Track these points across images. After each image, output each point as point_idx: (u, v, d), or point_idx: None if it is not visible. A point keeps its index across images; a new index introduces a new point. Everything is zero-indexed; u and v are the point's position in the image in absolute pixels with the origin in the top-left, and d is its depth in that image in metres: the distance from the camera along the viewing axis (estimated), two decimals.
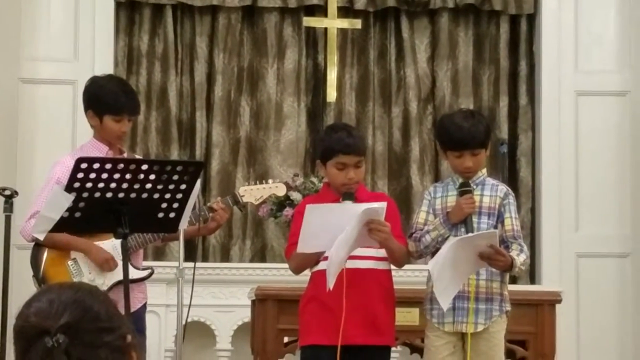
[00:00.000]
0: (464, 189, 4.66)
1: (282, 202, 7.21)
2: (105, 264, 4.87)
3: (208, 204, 5.19)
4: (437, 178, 7.65)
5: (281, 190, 5.49)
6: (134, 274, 4.77)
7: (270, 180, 5.59)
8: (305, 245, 4.47)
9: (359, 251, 4.50)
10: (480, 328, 4.60)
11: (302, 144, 7.76)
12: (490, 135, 4.83)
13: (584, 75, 7.62)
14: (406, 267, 6.69)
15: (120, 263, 4.52)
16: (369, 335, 4.56)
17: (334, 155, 4.61)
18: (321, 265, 4.53)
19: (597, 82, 7.62)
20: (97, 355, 1.82)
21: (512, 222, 4.70)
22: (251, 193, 5.28)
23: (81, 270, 4.89)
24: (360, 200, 4.64)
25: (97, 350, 1.83)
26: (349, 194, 4.58)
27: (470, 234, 4.55)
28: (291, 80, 7.80)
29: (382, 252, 4.59)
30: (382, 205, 4.45)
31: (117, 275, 4.62)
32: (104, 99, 4.96)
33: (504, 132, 7.69)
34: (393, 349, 5.87)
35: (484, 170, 4.79)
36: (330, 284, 4.39)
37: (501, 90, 7.88)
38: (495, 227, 4.67)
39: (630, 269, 7.47)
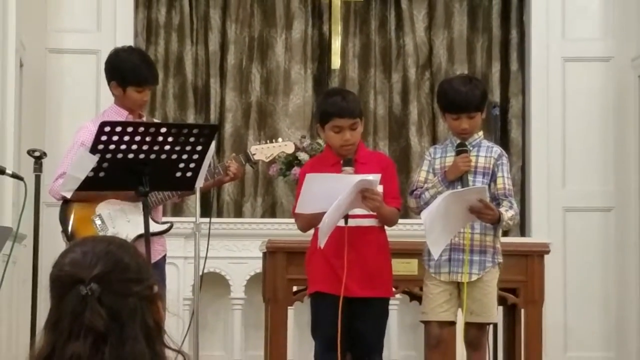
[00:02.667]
0: (461, 149, 4.67)
1: (291, 162, 7.22)
2: (133, 197, 4.77)
3: (223, 163, 5.19)
4: (434, 139, 7.66)
5: (290, 148, 5.47)
6: (154, 227, 4.79)
7: (279, 139, 5.58)
8: (303, 207, 4.50)
9: (359, 210, 4.52)
10: (474, 278, 4.62)
11: (308, 108, 7.76)
12: (487, 100, 4.83)
13: (571, 42, 7.60)
14: (406, 221, 6.73)
15: (141, 218, 4.53)
16: (368, 289, 4.57)
17: (330, 119, 4.59)
18: None
19: (582, 48, 7.60)
20: (126, 303, 1.84)
21: (504, 181, 4.70)
22: (262, 151, 5.28)
23: (106, 225, 4.90)
24: (361, 160, 4.64)
25: (127, 298, 1.85)
26: (348, 160, 4.58)
27: (461, 189, 4.57)
28: (298, 49, 7.79)
29: None
30: (376, 177, 4.45)
31: (139, 229, 4.63)
32: (128, 72, 4.94)
33: (496, 96, 7.68)
34: (395, 297, 5.92)
35: (481, 133, 4.79)
36: (322, 243, 4.41)
37: (493, 57, 7.87)
38: (489, 185, 4.68)
39: (614, 222, 7.48)
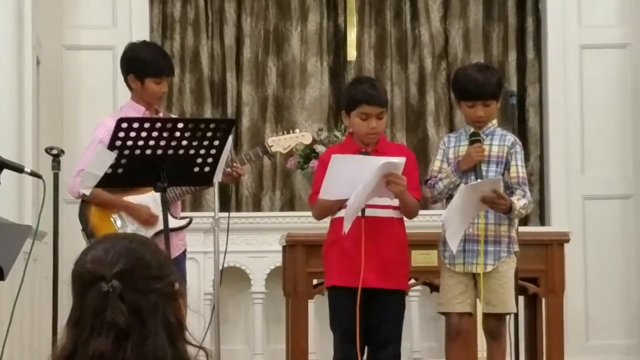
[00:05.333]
0: (474, 139, 4.66)
1: (309, 155, 7.23)
2: (150, 219, 4.88)
3: (241, 156, 5.20)
4: (451, 129, 7.65)
5: (307, 139, 5.47)
6: (173, 223, 4.80)
7: (296, 130, 5.56)
8: (327, 192, 4.49)
9: (378, 200, 4.52)
10: (489, 269, 4.61)
11: (325, 101, 7.76)
12: (502, 88, 4.82)
13: (587, 29, 7.57)
14: (426, 212, 6.72)
15: (160, 214, 4.55)
16: (384, 280, 4.57)
17: (358, 106, 4.60)
18: (341, 213, 4.54)
19: (599, 35, 7.58)
20: (148, 300, 1.85)
21: (518, 169, 4.69)
22: (279, 143, 5.27)
23: (125, 223, 4.92)
24: (381, 150, 4.64)
25: (148, 295, 1.86)
26: (365, 153, 4.58)
27: (477, 181, 4.56)
28: (314, 41, 7.79)
29: (397, 202, 4.60)
30: (401, 160, 4.45)
31: (159, 225, 4.65)
32: (145, 63, 4.96)
33: (513, 85, 7.66)
34: (415, 287, 5.92)
35: (495, 121, 4.77)
36: (346, 228, 4.41)
37: (509, 45, 7.85)
38: (503, 174, 4.67)
39: (633, 209, 7.46)
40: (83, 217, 4.96)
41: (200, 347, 1.93)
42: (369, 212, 4.51)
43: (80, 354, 1.82)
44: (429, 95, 7.78)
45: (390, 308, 4.63)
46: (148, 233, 4.83)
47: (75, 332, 1.85)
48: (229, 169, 4.93)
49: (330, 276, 4.68)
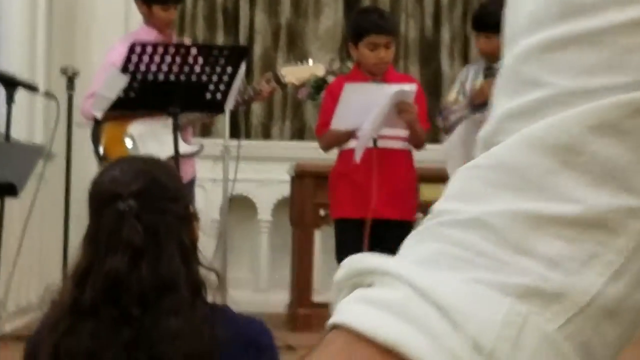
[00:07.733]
0: (489, 72, 4.67)
1: (321, 85, 7.24)
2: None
3: (253, 85, 5.22)
4: (466, 63, 7.64)
5: (320, 71, 5.49)
6: (185, 148, 4.85)
7: (309, 61, 5.58)
8: (339, 122, 4.52)
9: (388, 131, 4.55)
10: None
11: (339, 30, 7.76)
12: None
13: None
14: (435, 146, 6.76)
15: (172, 139, 4.59)
16: (393, 211, 4.63)
17: (366, 35, 4.60)
18: (350, 144, 4.58)
19: None
20: (163, 220, 1.91)
21: None
22: (293, 73, 5.29)
23: (137, 146, 4.97)
24: (390, 81, 4.67)
25: (164, 216, 1.92)
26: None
27: (477, 115, 4.58)
28: None
29: (406, 134, 4.64)
30: (412, 87, 4.49)
31: (171, 149, 4.68)
32: None
33: None
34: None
35: None
36: (358, 157, 4.45)
37: None
38: None
39: None
40: (96, 138, 5.00)
41: (212, 269, 2.00)
42: (380, 143, 4.55)
43: (95, 271, 1.88)
44: (445, 28, 7.78)
45: (397, 239, 4.68)
46: (161, 156, 4.85)
47: (91, 249, 1.91)
48: (247, 93, 4.97)
49: (338, 208, 4.73)
